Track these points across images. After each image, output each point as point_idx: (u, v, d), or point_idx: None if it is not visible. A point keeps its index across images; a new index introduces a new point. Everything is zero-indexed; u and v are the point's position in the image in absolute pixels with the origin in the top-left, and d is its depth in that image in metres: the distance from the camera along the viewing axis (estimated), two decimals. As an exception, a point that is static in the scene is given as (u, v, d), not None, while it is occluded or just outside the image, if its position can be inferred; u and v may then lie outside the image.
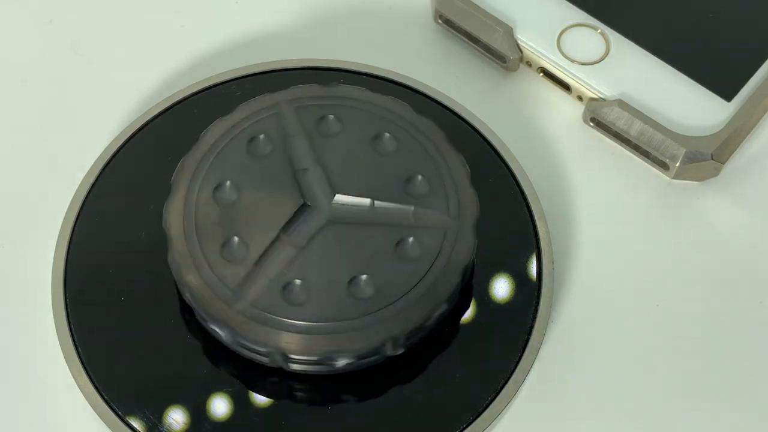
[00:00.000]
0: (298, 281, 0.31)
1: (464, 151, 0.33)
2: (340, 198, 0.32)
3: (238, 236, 0.31)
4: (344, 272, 0.31)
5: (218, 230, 0.31)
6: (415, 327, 0.31)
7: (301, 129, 0.33)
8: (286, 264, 0.31)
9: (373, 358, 0.31)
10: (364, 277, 0.31)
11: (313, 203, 0.32)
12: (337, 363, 0.31)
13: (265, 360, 0.31)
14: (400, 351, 0.31)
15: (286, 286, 0.31)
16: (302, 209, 0.32)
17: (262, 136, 0.33)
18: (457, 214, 0.32)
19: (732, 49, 0.38)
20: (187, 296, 0.31)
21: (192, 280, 0.31)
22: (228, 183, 0.32)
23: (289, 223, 0.31)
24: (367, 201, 0.32)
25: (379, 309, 0.30)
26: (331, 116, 0.33)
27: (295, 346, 0.30)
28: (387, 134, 0.33)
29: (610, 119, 0.37)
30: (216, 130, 0.33)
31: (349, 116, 0.33)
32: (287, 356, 0.30)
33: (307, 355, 0.30)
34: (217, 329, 0.31)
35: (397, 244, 0.31)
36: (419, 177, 0.32)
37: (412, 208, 0.32)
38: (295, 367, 0.31)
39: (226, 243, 0.31)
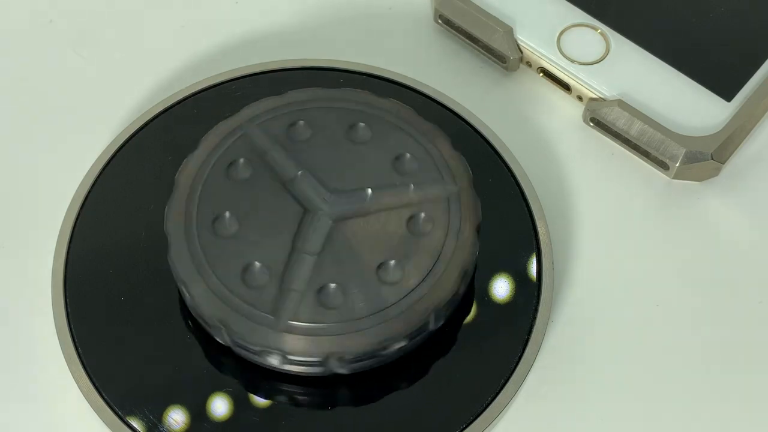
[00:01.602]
0: (332, 285, 0.31)
1: (464, 151, 0.33)
2: (336, 198, 0.32)
3: (257, 261, 0.31)
4: (370, 262, 0.31)
5: (233, 260, 0.31)
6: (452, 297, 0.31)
7: (273, 142, 0.33)
8: (309, 273, 0.31)
9: (422, 336, 0.32)
10: (392, 262, 0.31)
11: (313, 208, 0.32)
12: (391, 349, 0.31)
13: (317, 370, 0.31)
14: (441, 323, 0.32)
15: (320, 291, 0.31)
16: (306, 217, 0.32)
17: (241, 161, 0.32)
18: (452, 179, 0.32)
19: (732, 49, 0.38)
20: (225, 338, 0.31)
21: (231, 324, 0.30)
22: (226, 215, 0.32)
23: (299, 233, 0.31)
24: (365, 190, 0.32)
25: (413, 289, 0.31)
26: (300, 122, 0.33)
27: (360, 346, 0.30)
28: (361, 124, 0.33)
29: (610, 119, 0.37)
30: (191, 167, 0.32)
31: (314, 118, 0.33)
32: (349, 358, 0.31)
33: (375, 349, 0.31)
34: (266, 357, 0.31)
35: (409, 220, 0.31)
36: (407, 156, 0.32)
37: (411, 185, 0.32)
38: (352, 366, 0.31)
39: (246, 269, 0.31)
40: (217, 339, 0.32)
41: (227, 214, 0.31)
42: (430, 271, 0.31)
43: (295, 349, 0.30)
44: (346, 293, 0.31)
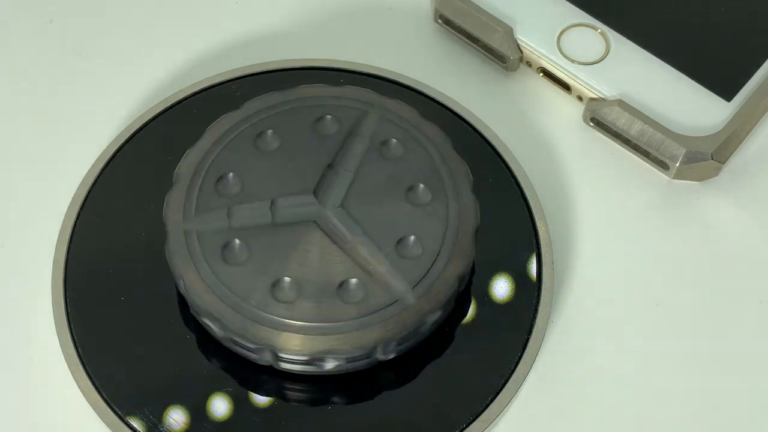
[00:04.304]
0: (238, 243, 0.31)
1: (464, 151, 0.33)
2: (339, 212, 0.32)
3: (233, 171, 0.32)
4: (278, 271, 0.31)
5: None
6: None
7: (368, 137, 0.33)
8: (254, 223, 0.31)
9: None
10: (287, 279, 0.31)
11: (320, 198, 0.32)
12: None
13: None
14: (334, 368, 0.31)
15: (226, 246, 0.31)
16: (305, 197, 0.32)
17: (329, 117, 0.33)
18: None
19: (732, 49, 0.38)
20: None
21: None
22: (270, 132, 0.32)
23: (282, 200, 0.32)
24: (358, 230, 0.31)
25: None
26: (395, 141, 0.33)
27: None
28: (421, 186, 0.32)
29: (610, 119, 0.37)
30: (311, 90, 0.33)
31: (410, 152, 0.33)
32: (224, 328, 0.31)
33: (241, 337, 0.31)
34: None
35: (341, 284, 0.31)
36: (412, 237, 0.31)
37: (384, 265, 0.31)
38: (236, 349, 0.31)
39: (221, 178, 0.32)
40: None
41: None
42: (310, 325, 0.30)
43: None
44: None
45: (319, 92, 0.34)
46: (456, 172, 0.32)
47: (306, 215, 0.32)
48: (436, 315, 0.31)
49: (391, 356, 0.31)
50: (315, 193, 0.32)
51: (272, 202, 0.32)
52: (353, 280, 0.31)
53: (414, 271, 0.31)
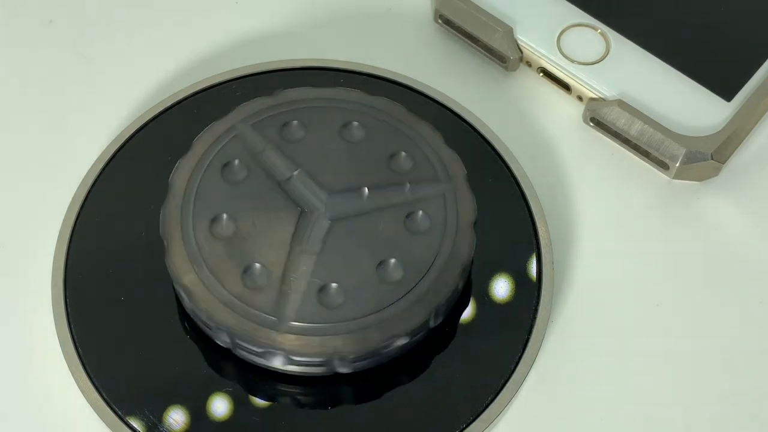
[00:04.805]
0: (333, 284, 0.31)
1: (464, 151, 0.33)
2: (333, 195, 0.32)
3: (256, 262, 0.31)
4: (369, 261, 0.31)
5: (232, 261, 0.31)
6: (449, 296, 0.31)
7: (266, 142, 0.33)
8: (310, 272, 0.31)
9: (422, 333, 0.31)
10: (392, 260, 0.31)
11: (309, 208, 0.32)
12: (394, 344, 0.31)
13: (319, 370, 0.31)
14: (441, 319, 0.32)
15: (322, 290, 0.31)
16: (303, 217, 0.32)
17: (236, 161, 0.32)
18: (447, 176, 0.32)
19: (732, 49, 0.38)
20: (225, 339, 0.31)
21: (228, 319, 0.30)
22: (224, 216, 0.31)
23: (297, 233, 0.31)
24: (362, 189, 0.32)
25: (414, 286, 0.31)
26: (294, 122, 0.33)
27: (362, 344, 0.30)
28: (354, 123, 0.33)
29: (610, 119, 0.37)
30: (185, 169, 0.32)
31: (308, 117, 0.33)
32: (351, 358, 0.30)
33: (374, 347, 0.30)
34: (268, 358, 0.31)
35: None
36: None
37: (408, 184, 0.32)
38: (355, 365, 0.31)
39: (247, 270, 0.31)
40: (218, 342, 0.32)
41: (224, 215, 0.31)
42: (429, 268, 0.31)
43: (297, 350, 0.30)
44: (346, 293, 0.30)
45: (191, 162, 0.33)
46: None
47: (323, 225, 0.31)
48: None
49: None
50: (302, 209, 0.32)
51: (293, 249, 0.31)
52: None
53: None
